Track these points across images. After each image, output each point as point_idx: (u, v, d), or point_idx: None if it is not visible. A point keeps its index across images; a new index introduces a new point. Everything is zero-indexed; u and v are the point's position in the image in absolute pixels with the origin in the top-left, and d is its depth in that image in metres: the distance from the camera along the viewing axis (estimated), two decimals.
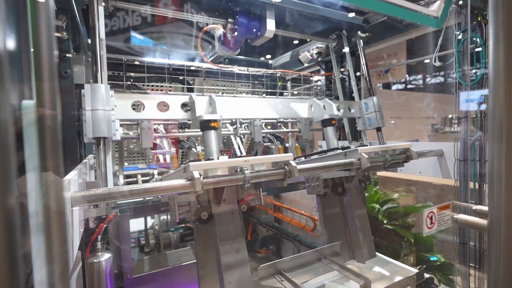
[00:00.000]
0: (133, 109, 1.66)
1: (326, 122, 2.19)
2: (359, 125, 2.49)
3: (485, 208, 0.84)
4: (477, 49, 1.86)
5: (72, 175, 1.00)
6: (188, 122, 2.33)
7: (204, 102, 1.77)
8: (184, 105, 1.79)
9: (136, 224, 4.07)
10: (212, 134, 1.68)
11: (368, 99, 2.39)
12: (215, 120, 1.69)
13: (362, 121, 2.45)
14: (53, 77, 0.50)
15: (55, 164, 0.52)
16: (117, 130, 1.52)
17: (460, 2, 1.88)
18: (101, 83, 1.46)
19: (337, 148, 1.86)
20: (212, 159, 1.52)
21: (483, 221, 0.77)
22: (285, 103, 2.23)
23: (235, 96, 2.21)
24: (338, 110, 2.30)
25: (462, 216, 0.84)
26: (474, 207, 0.86)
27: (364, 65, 2.41)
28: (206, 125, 1.68)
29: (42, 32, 0.49)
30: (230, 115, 1.94)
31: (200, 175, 1.12)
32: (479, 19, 1.82)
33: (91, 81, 1.49)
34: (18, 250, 0.47)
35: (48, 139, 0.50)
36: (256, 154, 3.07)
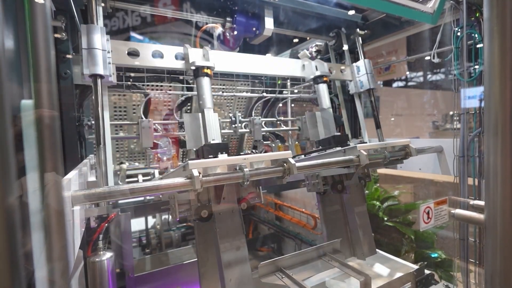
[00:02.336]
0: (129, 55, 1.69)
1: (318, 79, 2.19)
2: (351, 88, 2.51)
3: (482, 202, 0.84)
4: (477, 46, 1.86)
5: (73, 174, 1.00)
6: None
7: (198, 53, 1.78)
8: (178, 57, 1.80)
9: (137, 224, 4.09)
10: (206, 81, 1.68)
11: (359, 62, 2.41)
12: (208, 67, 1.70)
13: (354, 84, 2.47)
14: (51, 78, 0.51)
15: (54, 164, 0.53)
16: (113, 73, 1.57)
17: None
18: None
19: (336, 146, 1.86)
20: (213, 157, 1.53)
21: (480, 216, 0.77)
22: (278, 61, 2.24)
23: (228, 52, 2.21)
24: (330, 72, 2.31)
25: (459, 211, 0.84)
26: (471, 202, 0.87)
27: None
28: (199, 72, 1.69)
29: (39, 33, 0.49)
30: (223, 68, 1.93)
31: (200, 173, 1.13)
32: (477, 15, 1.82)
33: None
34: (18, 249, 0.47)
35: (47, 140, 0.51)
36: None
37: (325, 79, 2.18)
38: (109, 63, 1.54)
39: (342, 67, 2.48)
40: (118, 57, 1.64)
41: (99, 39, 1.48)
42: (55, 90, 0.52)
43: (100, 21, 1.54)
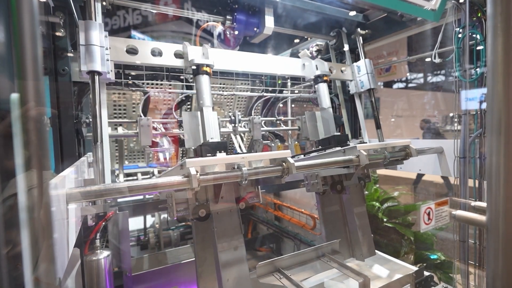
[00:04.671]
0: (127, 52, 1.67)
1: (318, 79, 2.18)
2: (351, 88, 2.50)
3: (484, 204, 0.83)
4: (478, 47, 1.84)
5: (68, 171, 0.99)
6: None
7: (198, 51, 1.77)
8: (177, 55, 1.78)
9: (137, 223, 4.08)
10: (205, 79, 1.67)
11: (359, 62, 2.40)
12: (207, 65, 1.68)
13: (354, 84, 2.46)
14: (37, 75, 0.49)
15: (40, 162, 0.51)
16: (111, 70, 1.55)
17: None
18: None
19: (336, 146, 1.85)
20: (211, 156, 1.51)
21: (482, 217, 0.76)
22: (279, 60, 2.21)
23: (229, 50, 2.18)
24: (331, 71, 2.29)
25: (460, 212, 0.82)
26: (473, 203, 0.85)
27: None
28: (198, 70, 1.67)
29: (26, 28, 0.47)
30: (223, 66, 1.91)
31: (197, 171, 1.11)
32: (479, 15, 1.81)
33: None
34: (1, 250, 0.45)
35: (32, 136, 0.49)
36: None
37: (325, 78, 2.16)
38: (107, 60, 1.52)
39: (343, 67, 2.46)
40: (116, 54, 1.62)
41: (97, 36, 1.46)
42: (41, 87, 0.51)
43: (99, 18, 1.52)
